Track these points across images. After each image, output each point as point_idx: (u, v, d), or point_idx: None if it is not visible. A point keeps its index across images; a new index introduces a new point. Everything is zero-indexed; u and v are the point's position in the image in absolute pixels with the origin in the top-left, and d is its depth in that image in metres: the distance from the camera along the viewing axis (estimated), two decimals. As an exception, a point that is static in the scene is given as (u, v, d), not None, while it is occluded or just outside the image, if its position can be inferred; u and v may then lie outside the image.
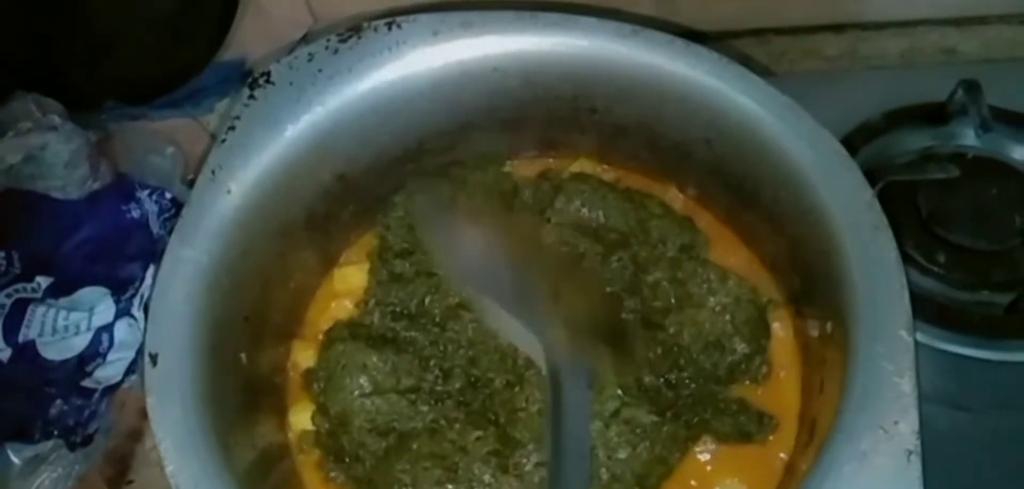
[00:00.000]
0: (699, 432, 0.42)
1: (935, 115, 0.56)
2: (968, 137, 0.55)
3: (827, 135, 0.41)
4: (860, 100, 0.57)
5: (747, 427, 0.42)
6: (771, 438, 0.42)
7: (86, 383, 0.50)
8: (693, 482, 0.42)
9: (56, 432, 0.48)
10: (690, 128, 0.45)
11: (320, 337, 0.46)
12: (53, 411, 0.49)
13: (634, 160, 0.49)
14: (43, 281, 0.53)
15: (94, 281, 0.53)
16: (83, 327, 0.51)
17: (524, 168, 0.51)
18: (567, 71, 0.46)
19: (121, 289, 0.53)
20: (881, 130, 0.56)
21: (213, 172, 0.42)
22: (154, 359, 0.37)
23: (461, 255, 0.39)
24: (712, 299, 0.44)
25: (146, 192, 0.56)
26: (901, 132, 0.56)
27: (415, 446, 0.41)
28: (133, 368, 0.51)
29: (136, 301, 0.52)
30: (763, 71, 0.60)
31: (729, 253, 0.48)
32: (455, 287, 0.45)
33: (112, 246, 0.55)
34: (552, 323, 0.36)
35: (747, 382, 0.44)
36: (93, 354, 0.51)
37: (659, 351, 0.44)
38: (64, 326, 0.51)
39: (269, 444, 0.42)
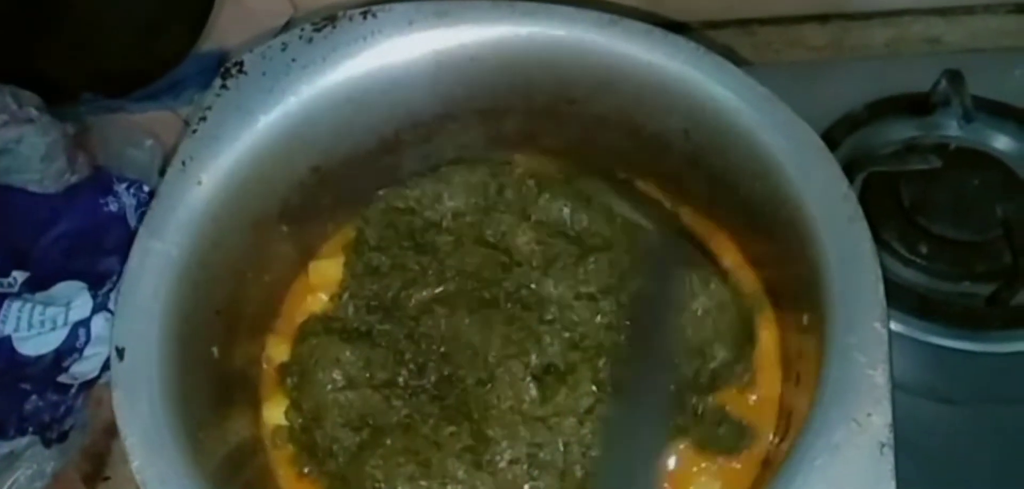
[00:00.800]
0: (676, 437, 0.42)
1: (918, 105, 0.56)
2: (951, 128, 0.55)
3: (804, 126, 0.41)
4: (845, 90, 0.57)
5: (726, 441, 0.41)
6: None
7: (62, 379, 0.50)
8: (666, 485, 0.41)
9: (31, 428, 0.48)
10: (669, 119, 0.45)
11: (295, 331, 0.46)
12: (28, 407, 0.48)
13: (614, 153, 0.49)
14: (19, 276, 0.53)
15: (71, 275, 0.53)
16: (60, 322, 0.51)
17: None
18: (545, 61, 0.45)
19: (98, 283, 0.53)
20: (864, 120, 0.55)
21: (183, 163, 0.41)
22: (121, 353, 0.37)
23: None
24: (694, 303, 0.43)
25: (124, 185, 0.56)
26: (884, 122, 0.56)
27: (388, 441, 0.40)
28: (110, 363, 0.50)
29: (114, 296, 0.52)
30: (747, 61, 0.61)
31: (708, 244, 0.47)
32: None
33: (89, 240, 0.55)
34: None
35: (731, 389, 0.43)
36: (70, 349, 0.51)
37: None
38: (40, 321, 0.51)
39: (241, 440, 0.42)
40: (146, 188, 0.56)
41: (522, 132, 0.49)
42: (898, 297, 0.48)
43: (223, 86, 0.43)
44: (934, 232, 0.51)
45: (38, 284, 0.53)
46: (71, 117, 0.56)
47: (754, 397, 0.43)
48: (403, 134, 0.48)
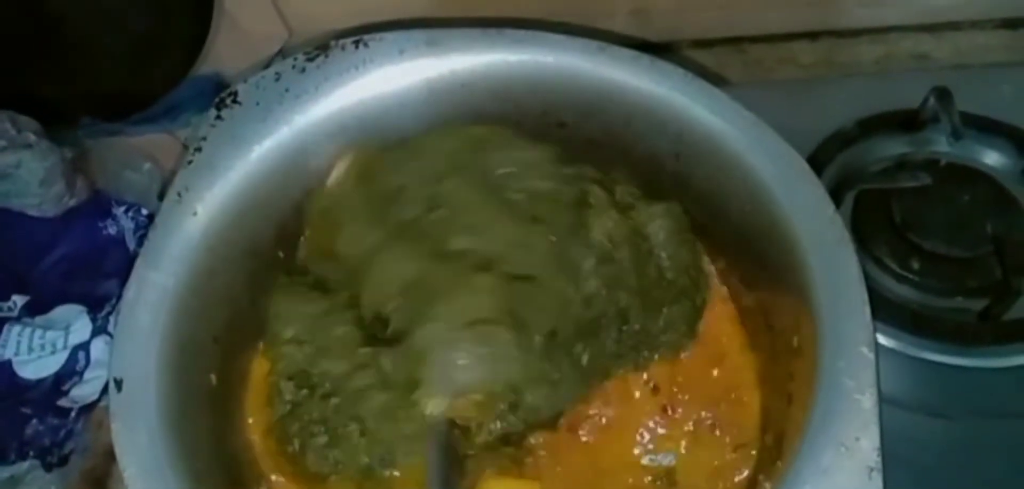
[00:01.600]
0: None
1: (908, 122, 0.56)
2: (941, 144, 0.55)
3: (790, 150, 0.41)
4: (835, 107, 0.57)
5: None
6: (733, 456, 0.42)
7: (62, 402, 0.50)
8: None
9: (32, 452, 0.48)
10: (659, 142, 0.45)
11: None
12: (29, 431, 0.49)
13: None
14: (19, 300, 0.54)
15: (70, 299, 0.53)
16: (59, 346, 0.52)
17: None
18: (535, 87, 0.46)
19: (98, 307, 0.53)
20: (854, 138, 0.56)
21: (179, 194, 0.41)
22: (119, 384, 0.37)
23: None
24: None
25: (122, 209, 0.57)
26: (874, 139, 0.56)
27: (309, 407, 0.42)
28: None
29: (113, 319, 0.53)
30: (737, 82, 0.61)
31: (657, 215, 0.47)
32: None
33: (88, 264, 0.55)
34: None
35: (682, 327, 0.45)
36: (70, 373, 0.51)
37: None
38: (40, 345, 0.51)
39: (240, 467, 0.42)
40: (144, 211, 0.57)
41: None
42: (890, 313, 0.49)
43: (218, 116, 0.44)
44: (926, 248, 0.52)
45: (38, 308, 0.53)
46: (69, 141, 0.57)
47: (735, 407, 0.44)
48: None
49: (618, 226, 0.45)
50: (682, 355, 0.45)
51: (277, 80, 0.45)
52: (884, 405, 0.35)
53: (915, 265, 0.51)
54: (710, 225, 0.46)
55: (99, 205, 0.56)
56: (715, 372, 0.45)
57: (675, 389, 0.45)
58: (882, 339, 0.48)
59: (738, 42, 0.62)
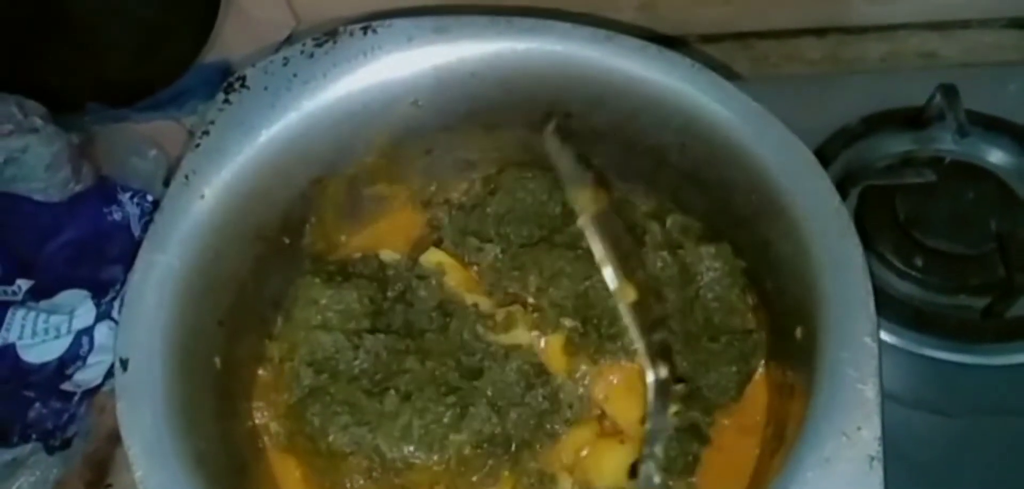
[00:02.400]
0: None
1: (913, 119, 0.56)
2: (946, 142, 0.56)
3: (797, 141, 0.41)
4: (841, 104, 0.57)
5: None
6: (738, 444, 0.42)
7: (66, 386, 0.50)
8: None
9: (35, 435, 0.48)
10: (664, 133, 0.45)
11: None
12: (32, 414, 0.49)
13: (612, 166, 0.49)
14: (24, 284, 0.54)
15: (75, 284, 0.54)
16: (63, 330, 0.52)
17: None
18: (542, 76, 0.46)
19: (102, 292, 0.53)
20: (860, 134, 0.56)
21: (186, 177, 0.42)
22: (124, 364, 0.37)
23: None
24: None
25: (128, 195, 0.57)
26: (880, 136, 0.56)
27: (333, 390, 0.42)
28: (113, 371, 0.51)
29: (117, 304, 0.53)
30: (742, 77, 0.61)
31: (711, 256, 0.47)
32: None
33: (93, 249, 0.55)
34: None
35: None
36: (73, 357, 0.51)
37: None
38: (44, 329, 0.52)
39: (243, 450, 0.42)
40: (150, 197, 0.57)
41: (520, 145, 0.50)
42: (893, 310, 0.49)
43: (226, 100, 0.44)
44: (929, 245, 0.52)
45: (42, 292, 0.53)
46: (76, 126, 0.57)
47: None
48: (404, 147, 0.48)
49: (666, 267, 0.45)
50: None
51: (285, 65, 0.45)
52: (886, 401, 0.35)
53: (918, 262, 0.51)
54: (715, 215, 0.46)
55: (104, 191, 0.57)
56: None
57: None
58: (884, 335, 0.48)
59: (745, 38, 0.62)
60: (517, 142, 0.50)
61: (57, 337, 0.52)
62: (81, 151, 0.56)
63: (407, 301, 0.46)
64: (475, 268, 0.48)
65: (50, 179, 0.55)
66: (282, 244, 0.46)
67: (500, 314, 0.45)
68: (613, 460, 0.42)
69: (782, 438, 0.39)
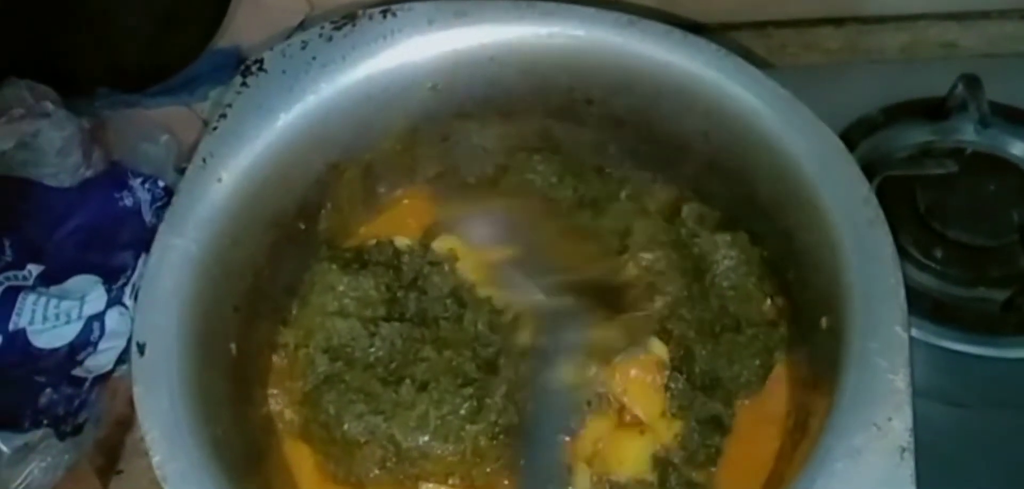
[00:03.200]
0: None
1: (934, 110, 0.56)
2: (967, 132, 0.55)
3: (825, 129, 0.41)
4: (860, 94, 0.57)
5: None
6: (759, 434, 0.42)
7: (77, 372, 0.50)
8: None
9: (46, 421, 0.47)
10: (687, 120, 0.45)
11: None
12: (43, 400, 0.48)
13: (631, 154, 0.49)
14: (34, 269, 0.53)
15: (86, 269, 0.53)
16: (74, 315, 0.51)
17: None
18: (563, 61, 0.45)
19: (113, 278, 0.53)
20: (880, 124, 0.56)
21: (204, 160, 0.41)
22: (141, 349, 0.37)
23: None
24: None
25: (139, 180, 0.56)
26: (900, 127, 0.56)
27: (348, 377, 0.42)
28: (124, 357, 0.50)
29: (128, 290, 0.52)
30: (762, 64, 0.60)
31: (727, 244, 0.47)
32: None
33: (104, 234, 0.55)
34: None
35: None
36: (84, 343, 0.51)
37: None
38: (55, 314, 0.51)
39: (258, 437, 0.42)
40: (161, 183, 0.56)
41: (540, 131, 0.49)
42: (912, 301, 0.47)
43: (243, 84, 0.43)
44: (949, 237, 0.51)
45: (53, 277, 0.53)
46: (87, 112, 0.56)
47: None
48: (421, 132, 0.48)
49: (659, 260, 0.45)
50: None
51: (304, 48, 0.44)
52: (907, 393, 0.34)
53: (938, 254, 0.51)
54: (737, 204, 0.46)
55: (116, 176, 0.56)
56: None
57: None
58: (903, 327, 0.47)
59: (763, 26, 0.62)
60: (534, 131, 0.50)
61: (68, 322, 0.51)
62: (92, 136, 0.56)
63: (420, 288, 0.46)
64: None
65: (61, 164, 0.54)
66: (297, 229, 0.46)
67: (508, 315, 0.45)
68: (633, 450, 0.41)
69: (805, 429, 0.39)
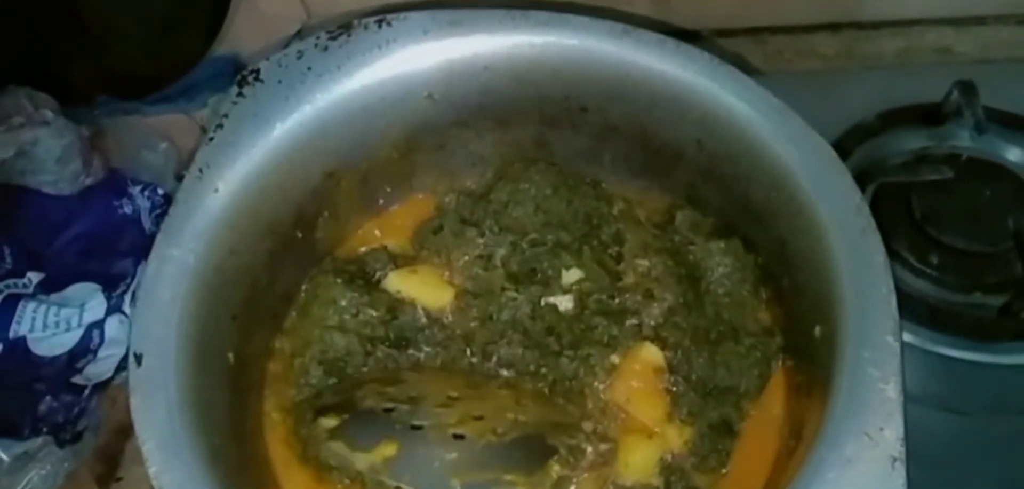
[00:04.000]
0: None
1: (930, 116, 0.56)
2: (963, 138, 0.55)
3: (817, 138, 0.41)
4: (856, 100, 0.57)
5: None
6: (761, 436, 0.42)
7: (76, 380, 0.50)
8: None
9: (45, 429, 0.48)
10: (681, 128, 0.45)
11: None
12: (43, 408, 0.48)
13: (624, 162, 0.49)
14: (34, 277, 0.53)
15: (85, 277, 0.53)
16: (74, 323, 0.51)
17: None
18: (558, 70, 0.46)
19: (112, 285, 0.53)
20: (876, 130, 0.56)
21: (201, 170, 0.41)
22: (139, 359, 0.37)
23: None
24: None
25: (138, 188, 0.56)
26: (896, 132, 0.56)
27: (330, 396, 0.42)
28: (124, 365, 0.51)
29: (127, 298, 0.52)
30: (758, 71, 0.61)
31: (721, 251, 0.47)
32: None
33: (104, 242, 0.55)
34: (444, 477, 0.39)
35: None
36: (84, 351, 0.51)
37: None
38: (55, 322, 0.51)
39: (255, 446, 0.42)
40: (160, 191, 0.56)
41: (535, 139, 0.50)
42: (909, 308, 0.48)
43: (239, 94, 0.43)
44: (945, 243, 0.51)
45: (53, 285, 0.53)
46: (86, 119, 0.56)
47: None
48: (417, 141, 0.48)
49: (655, 268, 0.46)
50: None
51: (300, 58, 0.44)
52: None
53: (934, 260, 0.51)
54: (731, 212, 0.46)
55: (115, 184, 0.56)
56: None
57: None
58: (899, 334, 0.47)
59: (759, 33, 0.62)
60: (530, 138, 0.50)
61: (67, 330, 0.51)
62: (91, 144, 0.56)
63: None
64: (457, 266, 0.48)
65: (60, 172, 0.54)
66: (294, 238, 0.46)
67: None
68: (639, 454, 0.42)
69: (800, 437, 0.39)
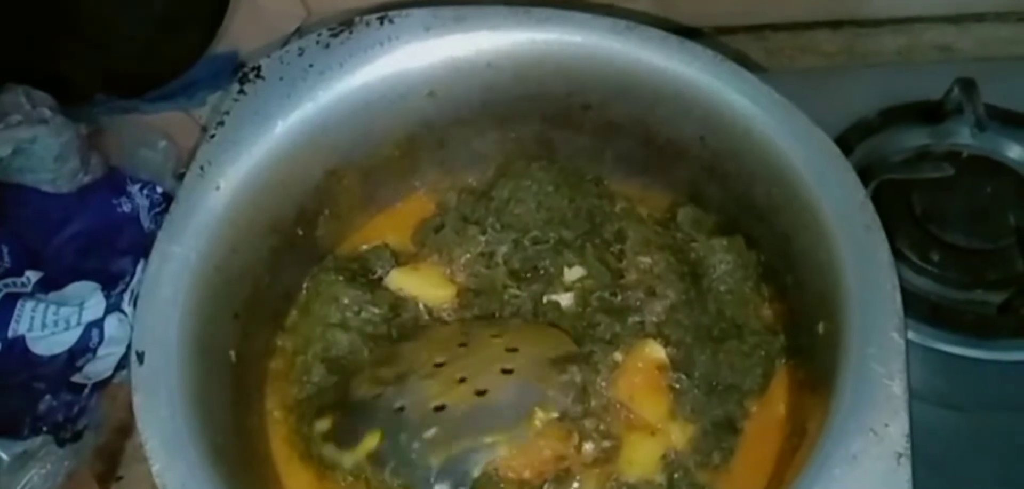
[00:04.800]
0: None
1: (931, 113, 0.56)
2: (964, 135, 0.55)
3: (821, 134, 0.41)
4: (857, 97, 0.57)
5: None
6: (765, 433, 0.42)
7: (76, 378, 0.50)
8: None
9: (45, 428, 0.48)
10: (684, 125, 0.45)
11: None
12: (42, 407, 0.48)
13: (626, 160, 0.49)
14: (33, 275, 0.53)
15: (84, 276, 0.53)
16: (73, 322, 0.51)
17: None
18: (561, 67, 0.45)
19: (111, 284, 0.53)
20: (877, 128, 0.56)
21: (202, 168, 0.41)
22: (141, 357, 0.37)
23: None
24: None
25: (137, 186, 0.56)
26: (897, 130, 0.56)
27: (330, 396, 0.42)
28: (123, 363, 0.51)
29: (127, 296, 0.52)
30: (759, 68, 0.61)
31: (723, 248, 0.47)
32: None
33: (103, 240, 0.55)
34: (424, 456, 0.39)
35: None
36: (83, 349, 0.51)
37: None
38: (54, 321, 0.51)
39: (257, 444, 0.42)
40: (159, 189, 0.56)
41: (537, 137, 0.49)
42: (910, 304, 0.47)
43: (241, 91, 0.43)
44: (946, 240, 0.51)
45: (51, 284, 0.53)
46: (85, 117, 0.56)
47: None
48: (418, 138, 0.48)
49: (657, 264, 0.46)
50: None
51: (301, 55, 0.44)
52: (904, 396, 0.34)
53: (935, 257, 0.51)
54: (734, 209, 0.46)
55: (114, 182, 0.56)
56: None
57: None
58: (900, 331, 0.47)
59: (760, 30, 0.62)
60: (532, 136, 0.50)
61: (67, 329, 0.51)
62: (90, 142, 0.56)
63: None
64: (459, 264, 0.48)
65: (59, 170, 0.54)
66: (296, 236, 0.46)
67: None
68: (642, 451, 0.42)
69: (803, 433, 0.39)
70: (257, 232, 0.43)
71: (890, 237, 0.51)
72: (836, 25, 0.62)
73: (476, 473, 0.39)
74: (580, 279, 0.46)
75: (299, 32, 0.61)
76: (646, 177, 0.49)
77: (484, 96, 0.47)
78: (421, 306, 0.46)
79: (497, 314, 0.45)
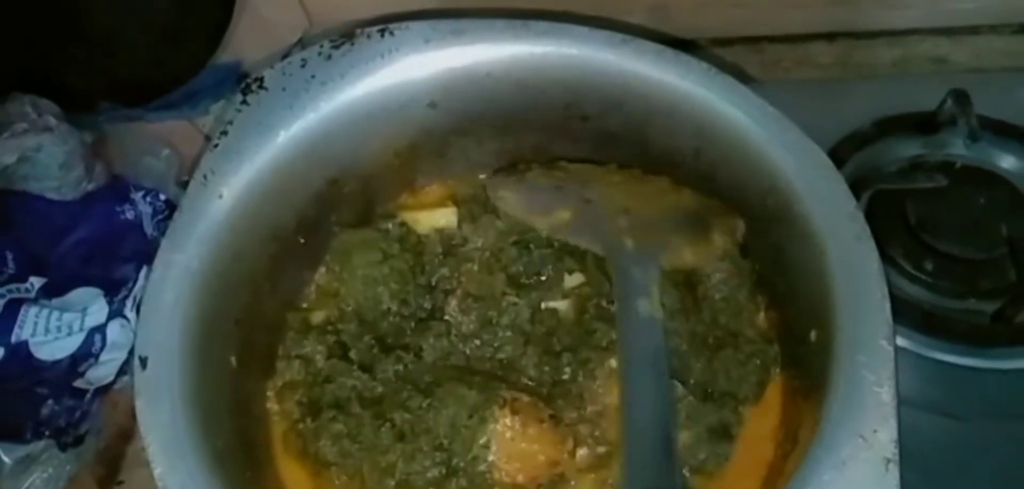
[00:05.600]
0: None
1: (925, 124, 0.56)
2: (957, 146, 0.56)
3: (813, 146, 0.41)
4: (852, 108, 0.57)
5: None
6: (758, 441, 0.42)
7: (78, 384, 0.50)
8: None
9: (47, 432, 0.48)
10: (679, 137, 0.46)
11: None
12: (45, 411, 0.49)
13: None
14: (36, 281, 0.54)
15: (87, 282, 0.53)
16: (76, 328, 0.52)
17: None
18: (558, 79, 0.46)
19: (114, 290, 0.53)
20: (871, 138, 0.56)
21: (205, 177, 0.42)
22: (144, 362, 0.37)
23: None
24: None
25: (141, 194, 0.57)
26: (891, 140, 0.56)
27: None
28: (125, 369, 0.51)
29: (129, 302, 0.53)
30: (755, 80, 0.61)
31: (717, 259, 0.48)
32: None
33: (106, 247, 0.55)
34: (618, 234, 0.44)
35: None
36: (86, 355, 0.51)
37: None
38: (57, 327, 0.51)
39: (258, 449, 0.42)
40: (162, 197, 0.57)
41: (535, 147, 0.50)
42: (903, 313, 0.49)
43: (244, 101, 0.44)
44: (940, 249, 0.52)
45: (55, 290, 0.53)
46: (89, 126, 0.57)
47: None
48: (418, 148, 0.49)
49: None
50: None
51: (303, 66, 0.45)
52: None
53: (928, 266, 0.51)
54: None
55: (117, 190, 0.57)
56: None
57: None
58: (894, 339, 0.48)
59: (756, 41, 0.63)
60: (531, 146, 0.50)
61: (70, 334, 0.51)
62: (94, 150, 0.56)
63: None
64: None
65: (63, 178, 0.55)
66: (297, 244, 0.47)
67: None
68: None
69: (795, 440, 0.40)
70: (258, 240, 0.43)
71: (884, 246, 0.51)
72: (832, 37, 0.63)
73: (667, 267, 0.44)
74: (578, 286, 0.47)
75: (301, 43, 0.62)
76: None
77: (483, 107, 0.47)
78: (433, 236, 0.49)
79: (494, 321, 0.46)
